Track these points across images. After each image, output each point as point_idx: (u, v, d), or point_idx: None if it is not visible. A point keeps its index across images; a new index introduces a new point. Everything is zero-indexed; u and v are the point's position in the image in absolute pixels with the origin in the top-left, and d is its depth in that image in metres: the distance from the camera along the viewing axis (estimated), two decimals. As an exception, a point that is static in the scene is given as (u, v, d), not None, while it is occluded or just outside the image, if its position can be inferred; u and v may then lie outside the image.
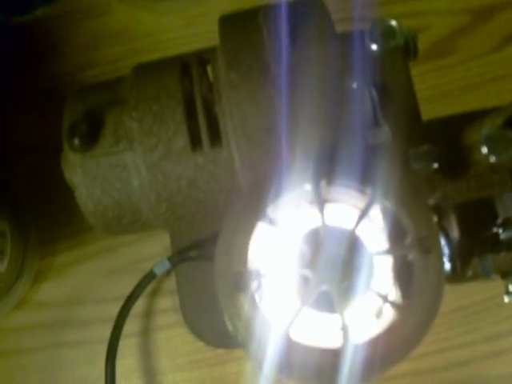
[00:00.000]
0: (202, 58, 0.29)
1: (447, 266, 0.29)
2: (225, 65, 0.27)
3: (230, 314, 0.21)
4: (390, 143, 0.24)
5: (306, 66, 0.26)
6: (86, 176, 0.29)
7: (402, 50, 0.26)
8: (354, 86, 0.26)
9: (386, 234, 0.21)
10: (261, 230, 0.21)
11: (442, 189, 0.25)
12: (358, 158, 0.22)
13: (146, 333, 0.47)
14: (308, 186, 0.21)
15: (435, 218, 0.25)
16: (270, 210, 0.21)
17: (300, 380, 0.21)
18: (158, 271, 0.37)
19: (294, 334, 0.20)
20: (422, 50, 0.60)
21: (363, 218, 0.21)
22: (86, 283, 0.52)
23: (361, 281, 0.20)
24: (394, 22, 0.26)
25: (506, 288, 0.30)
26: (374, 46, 0.26)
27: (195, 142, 0.28)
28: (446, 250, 0.29)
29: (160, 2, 0.56)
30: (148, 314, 0.48)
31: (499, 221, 0.27)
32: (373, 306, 0.21)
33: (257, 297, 0.22)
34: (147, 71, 0.30)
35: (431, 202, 0.25)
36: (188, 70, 0.28)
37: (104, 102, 0.29)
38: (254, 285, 0.21)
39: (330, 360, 0.19)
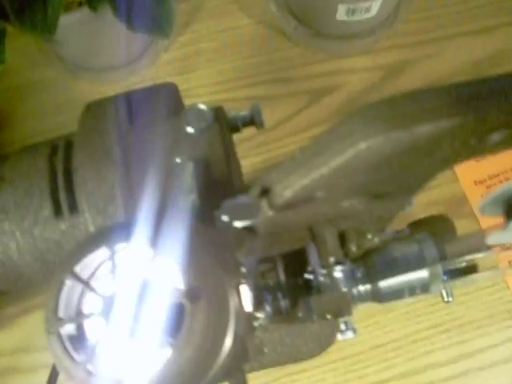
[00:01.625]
0: (69, 140, 0.34)
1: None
2: (76, 147, 0.32)
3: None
4: (200, 208, 0.29)
5: (140, 145, 0.32)
6: (-24, 242, 0.34)
7: (218, 127, 0.31)
8: (178, 160, 0.31)
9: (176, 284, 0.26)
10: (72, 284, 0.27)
11: (248, 244, 0.30)
12: (157, 221, 0.27)
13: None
14: (105, 248, 0.26)
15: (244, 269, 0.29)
16: (79, 268, 0.26)
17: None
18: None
19: (96, 369, 0.26)
20: (340, 105, 0.66)
21: (150, 271, 0.26)
22: (33, 332, 0.57)
23: (143, 325, 0.25)
24: (202, 106, 0.31)
25: (338, 327, 0.35)
26: (190, 129, 0.31)
27: (58, 211, 0.33)
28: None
29: (100, 74, 0.62)
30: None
31: (309, 268, 0.31)
32: (154, 345, 0.25)
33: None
34: (25, 152, 0.35)
35: (240, 255, 0.30)
36: (56, 151, 0.34)
37: (-10, 180, 0.35)
38: (68, 328, 0.26)
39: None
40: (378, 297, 0.34)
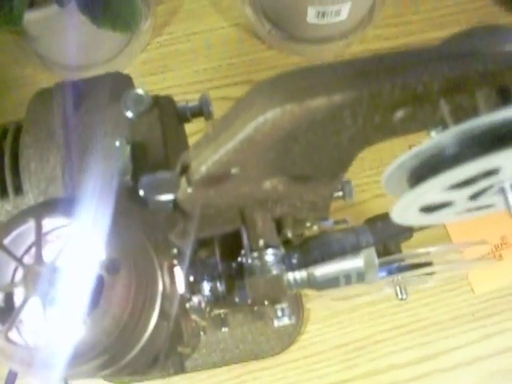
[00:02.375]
0: (19, 125, 0.35)
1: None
2: (23, 130, 0.33)
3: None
4: (134, 188, 0.30)
5: (83, 129, 0.33)
6: None
7: (157, 112, 0.32)
8: (117, 143, 0.32)
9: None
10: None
11: (181, 225, 0.30)
12: (86, 198, 0.28)
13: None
14: (31, 221, 0.27)
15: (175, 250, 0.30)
16: (8, 241, 0.27)
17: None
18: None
19: (16, 337, 0.26)
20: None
21: (74, 243, 0.26)
22: None
23: (59, 295, 0.26)
24: (140, 91, 0.32)
25: (275, 313, 0.35)
26: (129, 113, 0.32)
27: (3, 192, 0.34)
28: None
29: (77, 72, 0.63)
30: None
31: (243, 252, 0.32)
32: (73, 315, 0.26)
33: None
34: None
35: (173, 237, 0.30)
36: (6, 134, 0.35)
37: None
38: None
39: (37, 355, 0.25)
40: (314, 284, 0.34)
